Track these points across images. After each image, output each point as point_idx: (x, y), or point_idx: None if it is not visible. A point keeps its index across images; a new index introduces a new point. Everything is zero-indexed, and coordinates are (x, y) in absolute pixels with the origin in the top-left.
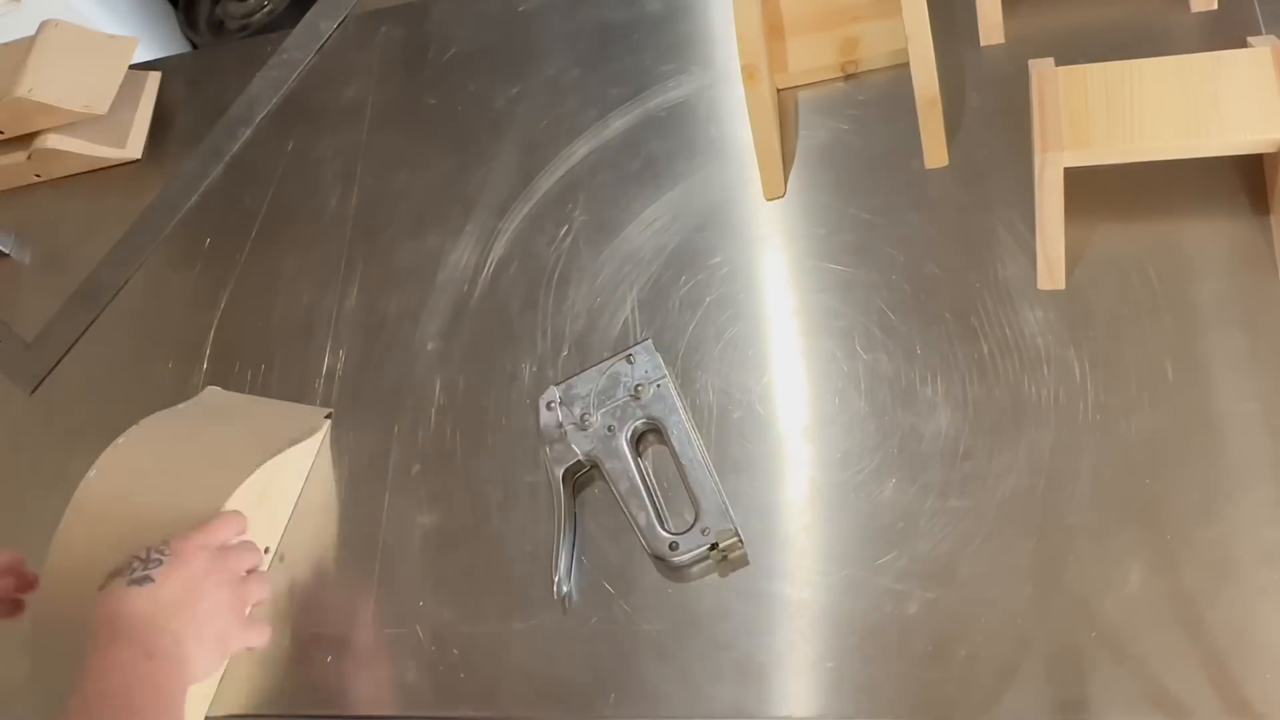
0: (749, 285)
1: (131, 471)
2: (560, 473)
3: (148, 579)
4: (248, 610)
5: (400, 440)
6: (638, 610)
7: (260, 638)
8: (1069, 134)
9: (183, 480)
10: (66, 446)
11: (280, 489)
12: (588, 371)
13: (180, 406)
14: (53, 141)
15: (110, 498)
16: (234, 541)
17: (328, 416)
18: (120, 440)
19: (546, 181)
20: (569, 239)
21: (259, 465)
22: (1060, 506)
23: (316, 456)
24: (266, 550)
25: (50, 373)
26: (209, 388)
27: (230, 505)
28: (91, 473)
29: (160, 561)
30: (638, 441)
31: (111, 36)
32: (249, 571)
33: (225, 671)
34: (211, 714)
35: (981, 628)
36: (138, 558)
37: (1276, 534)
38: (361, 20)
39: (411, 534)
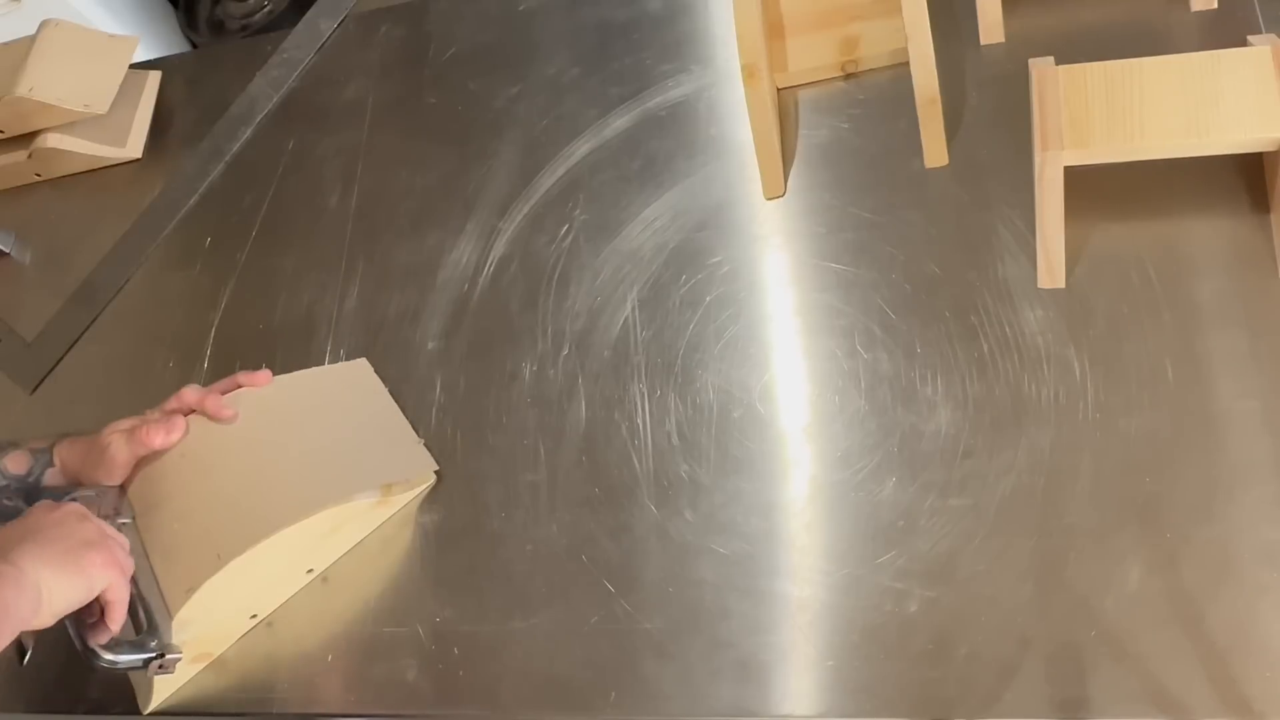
0: (749, 284)
1: (238, 427)
2: None
3: None
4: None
5: None
6: (638, 609)
7: (124, 567)
8: (1069, 133)
9: (278, 465)
10: None
11: (353, 530)
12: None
13: (326, 369)
14: (53, 141)
15: (207, 440)
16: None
17: (436, 471)
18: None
19: (547, 181)
20: (569, 238)
21: (347, 499)
22: (1060, 505)
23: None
24: (310, 571)
25: (50, 372)
26: (361, 360)
27: (305, 523)
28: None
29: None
30: None
31: (112, 36)
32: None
33: (224, 671)
34: (210, 712)
35: (981, 626)
36: None
37: (1276, 533)
38: (361, 20)
39: (411, 533)
